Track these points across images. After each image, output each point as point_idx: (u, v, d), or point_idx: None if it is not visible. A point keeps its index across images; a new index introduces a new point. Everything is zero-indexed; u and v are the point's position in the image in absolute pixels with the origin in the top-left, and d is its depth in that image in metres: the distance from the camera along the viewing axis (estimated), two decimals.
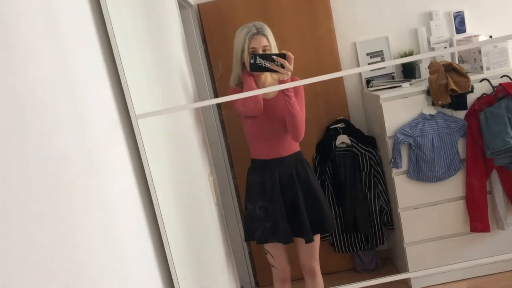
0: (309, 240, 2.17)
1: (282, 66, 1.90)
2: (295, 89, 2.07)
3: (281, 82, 2.00)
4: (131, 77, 1.05)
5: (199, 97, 2.40)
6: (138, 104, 1.07)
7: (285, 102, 2.03)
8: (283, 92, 2.02)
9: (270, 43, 2.08)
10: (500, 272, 2.77)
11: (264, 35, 2.07)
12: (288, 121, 2.07)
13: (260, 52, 2.04)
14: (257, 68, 1.92)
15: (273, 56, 1.90)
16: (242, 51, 2.07)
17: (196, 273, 1.50)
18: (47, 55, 0.73)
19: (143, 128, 1.05)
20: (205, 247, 1.77)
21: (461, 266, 2.75)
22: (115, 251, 0.87)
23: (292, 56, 1.93)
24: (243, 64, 2.11)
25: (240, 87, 2.16)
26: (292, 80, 2.02)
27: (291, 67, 1.92)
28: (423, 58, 2.95)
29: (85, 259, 0.74)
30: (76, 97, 0.83)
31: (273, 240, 2.18)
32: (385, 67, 3.01)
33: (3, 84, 0.59)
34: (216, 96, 2.94)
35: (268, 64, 1.89)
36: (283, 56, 1.90)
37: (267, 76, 2.15)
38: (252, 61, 1.88)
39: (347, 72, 3.05)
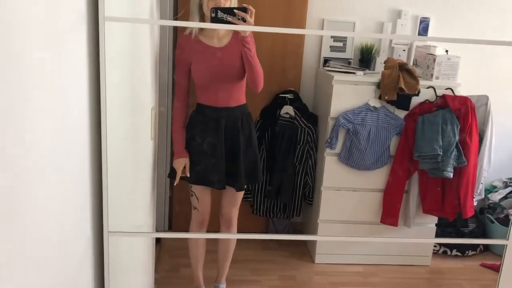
0: (241, 188, 2.24)
1: (244, 20, 1.88)
2: (251, 41, 2.07)
3: (241, 36, 1.99)
4: None
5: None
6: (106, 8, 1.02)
7: (245, 55, 2.03)
8: (242, 44, 2.02)
9: None
10: (393, 265, 3.01)
11: None
12: (248, 72, 2.08)
13: (222, 1, 2.00)
14: (218, 22, 1.88)
15: (235, 10, 1.87)
16: None
17: (123, 193, 1.49)
18: None
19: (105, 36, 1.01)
20: (135, 175, 1.76)
21: (363, 239, 2.99)
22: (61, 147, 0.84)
23: (253, 10, 1.90)
24: (201, 13, 2.06)
25: (191, 36, 2.11)
26: (250, 35, 2.02)
27: (252, 21, 1.90)
28: (381, 54, 3.06)
29: (34, 155, 0.71)
30: None
31: (206, 184, 2.21)
32: (345, 52, 3.08)
33: None
34: (175, 32, 2.85)
35: (229, 18, 1.85)
36: (244, 9, 1.88)
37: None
38: (213, 15, 1.84)
39: (308, 31, 3.10)
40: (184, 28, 2.17)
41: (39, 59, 0.75)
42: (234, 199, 2.34)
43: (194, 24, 1.89)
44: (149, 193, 2.09)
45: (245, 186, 2.31)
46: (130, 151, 1.63)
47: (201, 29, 2.12)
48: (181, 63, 2.15)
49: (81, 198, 1.04)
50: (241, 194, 2.35)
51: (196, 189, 2.27)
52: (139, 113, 1.78)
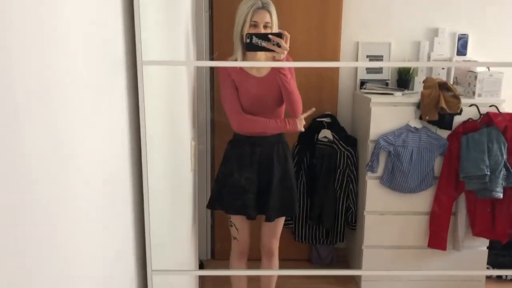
0: (270, 219, 2.21)
1: (278, 45, 1.90)
2: (288, 67, 2.08)
3: (277, 61, 2.01)
4: (142, 23, 1.03)
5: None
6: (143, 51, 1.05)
7: (281, 81, 2.04)
8: (278, 71, 2.03)
9: (272, 20, 2.06)
10: None
11: (268, 11, 2.05)
12: (286, 99, 2.09)
13: (261, 27, 2.03)
14: (253, 48, 1.91)
15: (269, 36, 1.89)
16: (244, 23, 2.05)
17: (165, 228, 1.50)
18: None
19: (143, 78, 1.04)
20: (176, 208, 1.77)
21: (412, 273, 2.86)
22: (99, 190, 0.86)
23: (288, 35, 1.92)
24: (243, 44, 2.09)
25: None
26: (287, 59, 2.03)
27: (287, 46, 1.92)
28: (419, 73, 3.00)
29: (79, 200, 0.73)
30: (88, 27, 0.81)
31: (240, 213, 2.21)
32: (382, 73, 3.04)
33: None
34: (212, 71, 2.91)
35: (264, 44, 1.88)
36: (279, 35, 1.90)
37: (262, 55, 2.15)
38: (248, 40, 1.87)
39: (343, 64, 3.08)
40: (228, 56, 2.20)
41: (80, 106, 0.78)
42: (273, 230, 2.32)
43: (229, 64, 1.94)
44: (190, 227, 2.11)
45: (279, 217, 2.27)
46: (171, 186, 1.65)
47: (243, 58, 2.14)
48: (229, 82, 2.14)
49: (124, 237, 1.06)
50: (280, 225, 2.32)
51: (235, 219, 2.27)
52: (179, 147, 1.81)
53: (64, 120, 0.71)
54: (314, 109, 2.24)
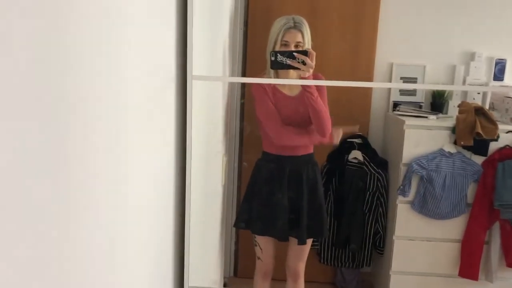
0: (303, 242, 2.17)
1: (304, 63, 1.87)
2: (318, 85, 2.06)
3: (302, 78, 1.98)
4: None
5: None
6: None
7: (307, 99, 2.01)
8: (304, 88, 2.01)
9: (304, 40, 2.03)
10: None
11: (300, 31, 2.03)
12: (313, 117, 2.05)
13: (292, 47, 2.01)
14: (277, 66, 1.87)
15: (294, 53, 1.86)
16: (275, 42, 2.04)
17: (197, 243, 1.49)
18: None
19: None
20: (207, 223, 1.76)
21: None
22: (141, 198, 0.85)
23: (314, 53, 1.89)
24: None
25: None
26: (315, 77, 2.01)
27: (313, 64, 1.88)
28: (454, 97, 2.94)
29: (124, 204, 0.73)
30: (144, 45, 0.81)
31: (269, 234, 2.17)
32: (415, 95, 3.00)
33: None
34: (243, 86, 2.91)
35: (288, 61, 1.84)
36: (304, 52, 1.87)
37: (293, 74, 2.13)
38: (272, 58, 1.83)
39: (376, 84, 3.04)
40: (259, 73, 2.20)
41: (138, 117, 0.77)
42: (300, 253, 2.27)
43: (261, 80, 1.93)
44: (217, 243, 2.09)
45: (307, 239, 2.22)
46: (204, 200, 1.64)
47: (275, 77, 2.13)
48: (266, 97, 2.11)
49: (165, 252, 1.04)
50: (307, 247, 2.27)
51: (260, 239, 2.24)
52: (212, 161, 1.80)
53: (124, 129, 0.70)
54: (358, 126, 2.22)
